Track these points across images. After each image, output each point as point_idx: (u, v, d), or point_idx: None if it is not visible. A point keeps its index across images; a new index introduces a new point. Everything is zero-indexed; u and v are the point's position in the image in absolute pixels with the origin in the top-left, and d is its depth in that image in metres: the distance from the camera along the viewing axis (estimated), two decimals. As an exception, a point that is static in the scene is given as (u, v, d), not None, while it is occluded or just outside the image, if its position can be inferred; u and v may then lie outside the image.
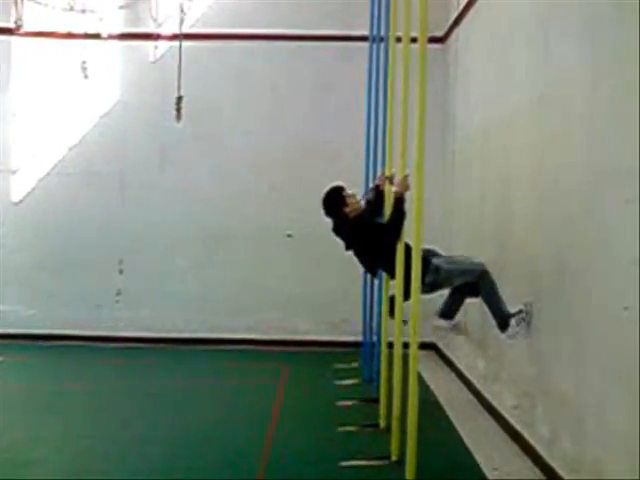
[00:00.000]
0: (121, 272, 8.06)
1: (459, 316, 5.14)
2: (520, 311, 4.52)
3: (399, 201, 4.39)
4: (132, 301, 8.03)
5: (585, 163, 3.71)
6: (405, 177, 4.33)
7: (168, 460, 4.32)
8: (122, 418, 5.24)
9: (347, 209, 4.68)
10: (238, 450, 4.52)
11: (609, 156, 3.42)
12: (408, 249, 4.17)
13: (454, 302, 5.05)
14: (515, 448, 4.57)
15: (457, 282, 4.85)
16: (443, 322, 5.01)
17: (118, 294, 8.06)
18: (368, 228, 4.64)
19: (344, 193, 4.71)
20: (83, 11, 7.70)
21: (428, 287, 4.57)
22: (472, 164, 6.45)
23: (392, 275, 4.49)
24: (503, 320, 4.61)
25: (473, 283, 4.77)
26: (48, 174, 8.06)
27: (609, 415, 3.35)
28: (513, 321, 4.53)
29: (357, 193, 4.91)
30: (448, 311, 5.05)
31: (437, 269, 4.66)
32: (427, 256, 4.47)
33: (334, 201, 4.71)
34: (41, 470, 4.13)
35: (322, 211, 4.78)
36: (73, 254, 8.03)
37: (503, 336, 4.64)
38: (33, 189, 8.05)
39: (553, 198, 4.21)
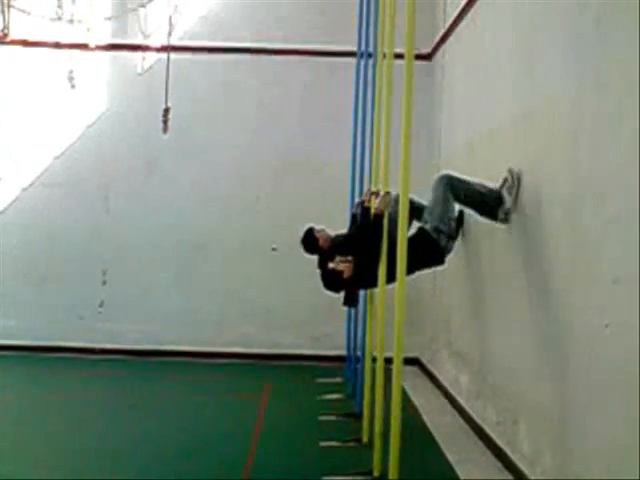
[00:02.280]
0: (104, 283, 8.00)
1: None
2: (505, 180, 4.54)
3: (377, 218, 4.41)
4: (115, 312, 7.96)
5: (568, 180, 3.75)
6: (385, 195, 4.35)
7: (146, 474, 4.26)
8: (101, 432, 5.17)
9: (320, 242, 5.32)
10: (220, 465, 4.47)
11: (592, 173, 3.46)
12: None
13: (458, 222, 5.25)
14: (498, 464, 4.57)
15: (453, 215, 4.90)
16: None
17: (101, 305, 7.99)
18: (344, 244, 4.85)
19: (314, 233, 5.40)
20: (71, 21, 7.68)
21: (449, 241, 4.79)
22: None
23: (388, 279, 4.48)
24: (495, 202, 4.55)
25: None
26: (32, 184, 7.99)
27: (590, 432, 3.36)
28: (504, 192, 4.51)
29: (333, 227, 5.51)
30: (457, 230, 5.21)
31: (437, 230, 4.71)
32: (423, 233, 4.69)
33: (309, 241, 5.42)
34: (17, 484, 4.07)
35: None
36: (56, 264, 7.96)
37: (502, 215, 4.55)
38: (17, 198, 7.98)
39: (536, 214, 4.24)
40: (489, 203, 4.66)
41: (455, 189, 4.75)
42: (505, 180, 4.57)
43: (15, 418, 5.41)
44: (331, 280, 4.86)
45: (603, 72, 3.36)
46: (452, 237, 4.88)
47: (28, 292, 7.89)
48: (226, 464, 4.49)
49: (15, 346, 7.72)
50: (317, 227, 5.49)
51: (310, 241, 5.46)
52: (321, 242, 5.41)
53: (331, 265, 4.80)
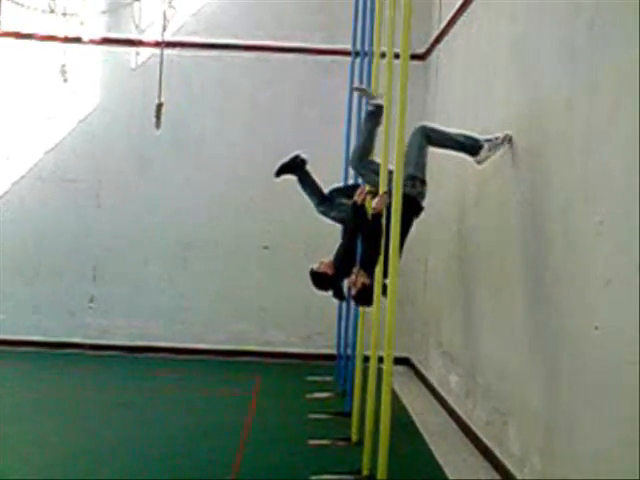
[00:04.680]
0: (95, 279, 7.96)
1: None
2: (496, 138, 4.59)
3: (375, 217, 4.41)
4: (105, 308, 7.93)
5: (560, 181, 3.76)
6: (384, 194, 4.35)
7: (136, 473, 4.24)
8: (90, 428, 5.15)
9: (328, 273, 5.02)
10: (209, 463, 4.46)
11: (585, 174, 3.46)
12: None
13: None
14: (486, 465, 4.59)
15: (426, 161, 4.91)
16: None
17: (91, 301, 7.95)
18: (344, 258, 4.87)
19: (317, 271, 5.09)
20: (64, 14, 7.63)
21: (423, 186, 4.79)
22: (450, 180, 6.50)
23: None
24: (473, 148, 4.65)
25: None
26: (23, 178, 7.94)
27: (578, 435, 3.37)
28: (486, 145, 4.60)
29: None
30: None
31: (413, 178, 4.65)
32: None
33: (320, 281, 5.08)
34: (5, 480, 4.04)
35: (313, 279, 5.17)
36: (46, 259, 7.91)
37: (471, 159, 4.71)
38: (6, 193, 7.93)
39: (528, 217, 4.25)
40: (467, 150, 4.73)
41: (431, 139, 4.74)
42: (496, 138, 4.61)
43: (3, 414, 5.36)
44: (319, 280, 5.00)
45: (597, 74, 3.37)
46: (425, 182, 4.84)
47: (17, 287, 7.84)
48: (215, 462, 4.48)
49: (4, 341, 7.68)
50: (314, 266, 5.15)
51: (320, 280, 5.10)
52: (329, 272, 5.07)
53: (313, 267, 4.95)
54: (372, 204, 4.50)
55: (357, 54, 6.31)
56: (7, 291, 7.80)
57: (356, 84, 5.53)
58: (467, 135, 4.76)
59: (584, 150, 3.49)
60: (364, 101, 5.73)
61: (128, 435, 5.01)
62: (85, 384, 6.60)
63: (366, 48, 5.88)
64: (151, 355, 7.73)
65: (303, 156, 5.53)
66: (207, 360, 7.71)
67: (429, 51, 7.60)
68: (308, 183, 5.43)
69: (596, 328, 3.19)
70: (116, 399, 6.00)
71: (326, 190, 5.65)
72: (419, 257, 7.50)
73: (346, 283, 5.28)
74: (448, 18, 6.61)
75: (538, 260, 4.03)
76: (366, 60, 5.84)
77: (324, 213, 5.53)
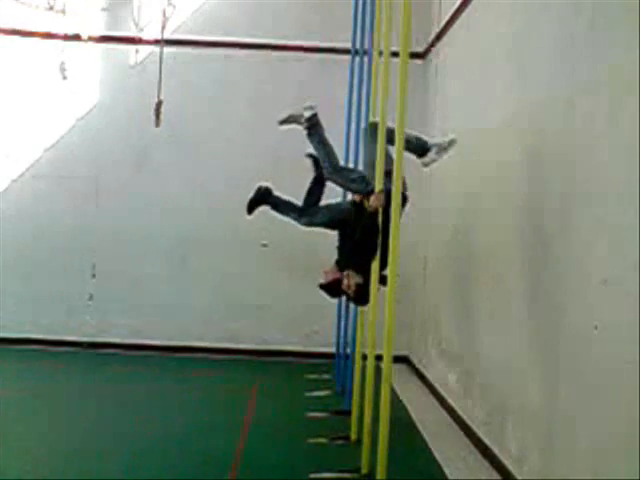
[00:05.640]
0: (94, 276, 7.96)
1: None
2: (443, 142, 4.70)
3: (371, 216, 4.40)
4: (104, 306, 7.92)
5: (559, 180, 3.76)
6: (380, 193, 4.35)
7: (134, 471, 4.24)
8: (87, 426, 5.15)
9: (333, 278, 4.83)
10: (208, 461, 4.46)
11: (584, 174, 3.46)
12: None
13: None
14: (485, 463, 4.59)
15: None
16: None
17: (90, 299, 7.95)
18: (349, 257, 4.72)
19: (327, 281, 4.90)
20: (63, 11, 7.61)
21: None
22: (449, 179, 6.51)
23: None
24: (422, 149, 4.73)
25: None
26: (22, 175, 7.94)
27: (577, 433, 3.37)
28: (434, 149, 4.68)
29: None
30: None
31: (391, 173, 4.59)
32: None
33: (332, 288, 4.85)
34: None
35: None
36: (45, 257, 7.90)
37: (419, 160, 4.80)
38: (6, 190, 7.92)
39: (527, 215, 4.25)
40: (415, 151, 4.77)
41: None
42: (443, 142, 4.70)
43: (1, 412, 5.36)
44: (334, 289, 4.82)
45: (597, 73, 3.37)
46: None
47: (16, 284, 7.83)
48: (214, 460, 4.48)
49: (2, 339, 7.66)
50: (321, 280, 4.99)
51: (335, 288, 4.89)
52: (339, 277, 4.87)
53: (321, 281, 4.81)
54: (369, 202, 4.49)
55: (357, 52, 6.31)
56: (6, 288, 7.79)
57: (281, 117, 5.23)
58: (418, 136, 4.80)
59: (584, 149, 3.49)
60: (364, 99, 5.73)
61: (124, 432, 5.01)
62: (81, 381, 6.59)
63: (366, 46, 5.88)
64: (149, 353, 7.73)
65: (265, 185, 5.50)
66: (205, 358, 7.71)
67: (429, 49, 7.60)
68: (281, 204, 5.39)
69: (595, 327, 3.20)
70: (113, 397, 5.99)
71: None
72: (419, 256, 7.50)
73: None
74: (448, 16, 6.61)
75: (537, 259, 4.03)
76: (366, 59, 5.84)
77: (310, 223, 5.34)
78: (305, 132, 4.92)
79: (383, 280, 4.34)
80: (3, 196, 7.90)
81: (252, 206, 5.50)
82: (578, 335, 3.40)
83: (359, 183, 4.69)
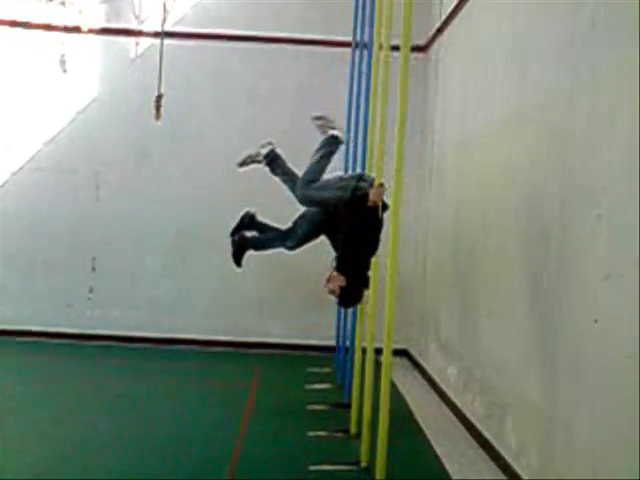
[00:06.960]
0: (94, 270, 7.96)
1: None
2: (258, 154, 5.02)
3: (372, 210, 4.39)
4: (104, 299, 7.93)
5: (560, 178, 3.76)
6: (380, 186, 4.34)
7: (134, 464, 4.25)
8: (88, 419, 5.15)
9: (340, 286, 4.53)
10: (207, 454, 4.47)
11: (584, 172, 3.46)
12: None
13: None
14: (485, 457, 4.60)
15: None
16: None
17: (90, 292, 7.96)
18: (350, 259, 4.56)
19: (335, 288, 4.58)
20: (63, 3, 7.59)
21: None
22: (448, 176, 6.50)
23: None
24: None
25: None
26: (21, 168, 7.92)
27: (576, 430, 3.38)
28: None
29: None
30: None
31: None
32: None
33: (343, 298, 4.60)
34: (-1, 472, 4.04)
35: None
36: (45, 250, 7.90)
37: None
38: (5, 183, 7.91)
39: (527, 213, 4.25)
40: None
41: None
42: (258, 154, 5.05)
43: (0, 405, 5.37)
44: (346, 298, 4.59)
45: (597, 72, 3.36)
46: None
47: (16, 277, 7.84)
48: (213, 452, 4.49)
49: (2, 331, 7.67)
50: (332, 297, 4.74)
51: (346, 295, 4.60)
52: (343, 284, 4.58)
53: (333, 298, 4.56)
54: (370, 196, 4.46)
55: (357, 45, 6.29)
56: (6, 281, 7.80)
57: (316, 114, 5.16)
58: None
59: (584, 148, 3.48)
60: (363, 96, 5.71)
61: (124, 425, 5.02)
62: (82, 375, 6.59)
63: (366, 39, 5.86)
64: (149, 346, 7.74)
65: (251, 211, 5.46)
66: (205, 351, 7.72)
67: (430, 43, 7.57)
68: (262, 241, 5.34)
69: (595, 322, 3.20)
70: (113, 390, 6.00)
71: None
72: (419, 253, 7.51)
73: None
74: (449, 10, 6.58)
75: (537, 255, 4.03)
76: (366, 52, 5.82)
77: (297, 240, 5.13)
78: (330, 135, 4.88)
79: (366, 282, 4.33)
80: (3, 189, 7.88)
81: (237, 232, 5.39)
82: (578, 329, 3.41)
83: (336, 194, 4.57)
